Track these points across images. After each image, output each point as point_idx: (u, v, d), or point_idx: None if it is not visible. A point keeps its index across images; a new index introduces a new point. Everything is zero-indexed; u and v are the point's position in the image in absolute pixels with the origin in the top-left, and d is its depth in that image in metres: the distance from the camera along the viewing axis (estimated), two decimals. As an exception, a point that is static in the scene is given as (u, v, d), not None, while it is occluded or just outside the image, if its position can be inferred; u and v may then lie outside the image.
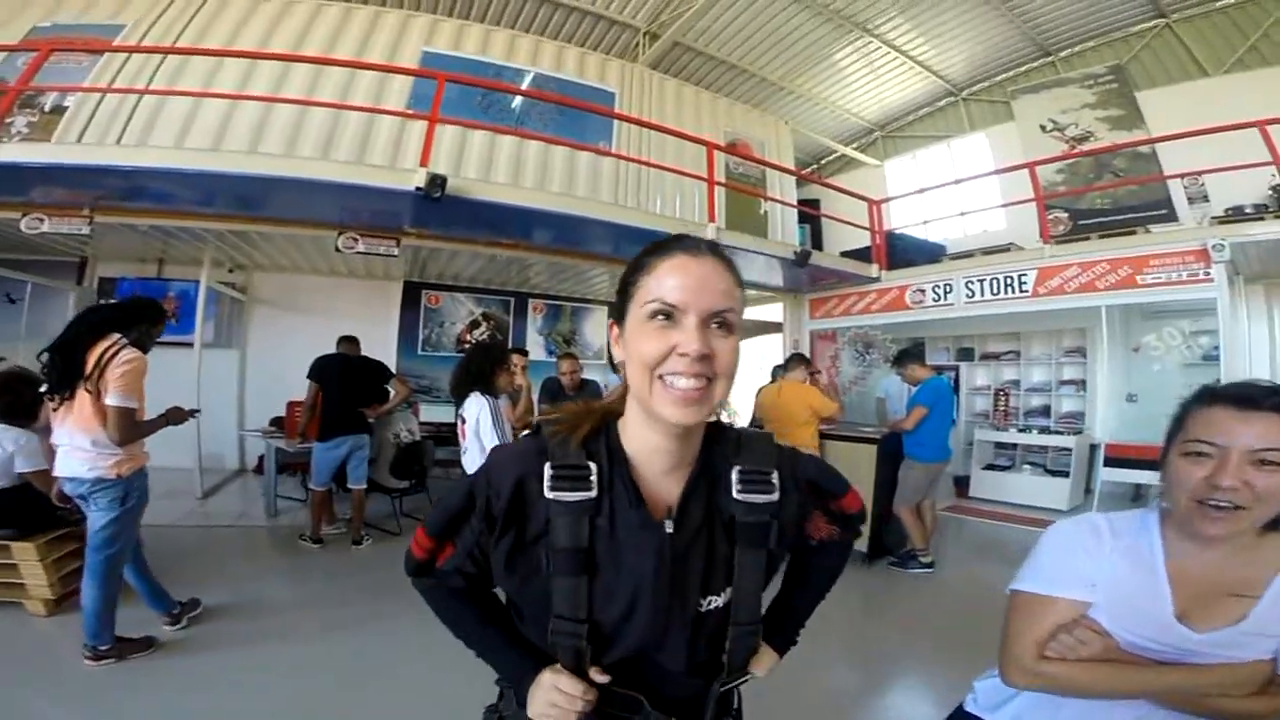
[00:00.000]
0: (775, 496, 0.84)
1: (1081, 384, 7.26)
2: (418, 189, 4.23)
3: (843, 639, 3.73)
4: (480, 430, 3.04)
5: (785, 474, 0.87)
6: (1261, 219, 5.33)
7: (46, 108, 5.73)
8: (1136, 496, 6.10)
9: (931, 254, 7.36)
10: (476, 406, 3.12)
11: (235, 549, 4.60)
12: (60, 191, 4.50)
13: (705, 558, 0.82)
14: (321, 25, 6.66)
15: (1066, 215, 7.81)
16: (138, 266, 6.96)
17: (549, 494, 0.79)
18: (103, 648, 2.73)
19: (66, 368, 2.67)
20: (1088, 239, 6.15)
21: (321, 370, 4.74)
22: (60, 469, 2.74)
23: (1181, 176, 6.59)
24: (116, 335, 2.73)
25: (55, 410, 2.71)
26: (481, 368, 3.31)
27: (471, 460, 3.08)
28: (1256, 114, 5.02)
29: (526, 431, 0.91)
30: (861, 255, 6.97)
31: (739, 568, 0.83)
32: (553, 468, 0.80)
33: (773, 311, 8.60)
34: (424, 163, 4.38)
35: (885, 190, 9.58)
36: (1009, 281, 5.74)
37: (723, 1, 7.39)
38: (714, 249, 0.80)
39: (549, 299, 8.57)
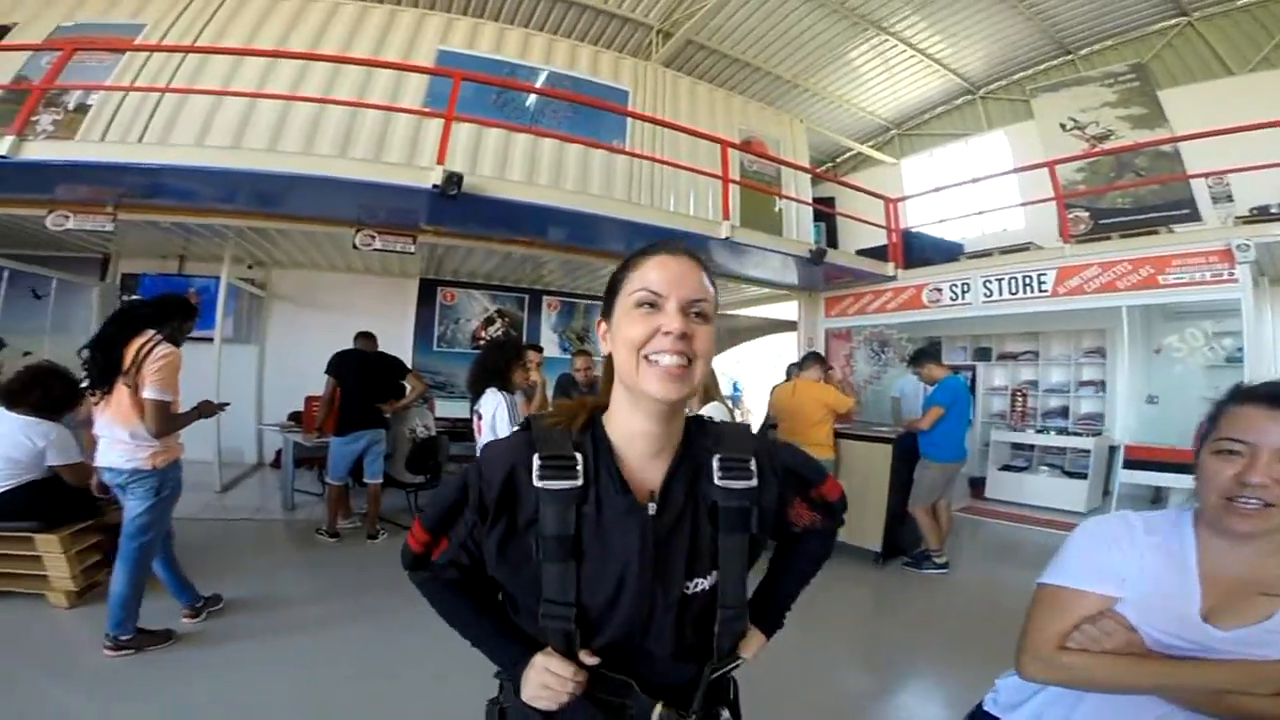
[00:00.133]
0: (754, 482, 0.89)
1: (1101, 385, 7.18)
2: (434, 186, 4.26)
3: (855, 639, 3.72)
4: (496, 426, 3.06)
5: (763, 461, 0.92)
6: (1287, 219, 5.23)
7: (71, 106, 5.82)
8: (1156, 499, 6.03)
9: (949, 253, 7.29)
10: (493, 402, 3.14)
11: (253, 542, 4.66)
12: (84, 189, 4.58)
13: (689, 541, 0.86)
14: (339, 24, 6.71)
15: (1087, 214, 7.70)
16: (159, 263, 7.07)
17: (537, 483, 0.83)
18: (124, 638, 2.78)
19: (106, 363, 2.77)
20: (1109, 238, 6.06)
21: (339, 366, 4.79)
22: (100, 459, 2.84)
23: (1205, 176, 6.48)
24: (151, 331, 2.82)
25: (96, 404, 2.81)
26: (498, 364, 3.33)
27: (487, 456, 3.09)
28: (1282, 112, 4.93)
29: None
30: (877, 254, 6.92)
31: (723, 552, 0.86)
32: (541, 458, 0.84)
33: (787, 310, 8.56)
34: (440, 160, 4.41)
35: (902, 188, 9.48)
36: (1028, 281, 5.68)
37: (735, 0, 7.35)
38: (690, 252, 0.88)
39: (563, 296, 8.60)
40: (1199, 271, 4.88)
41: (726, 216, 5.50)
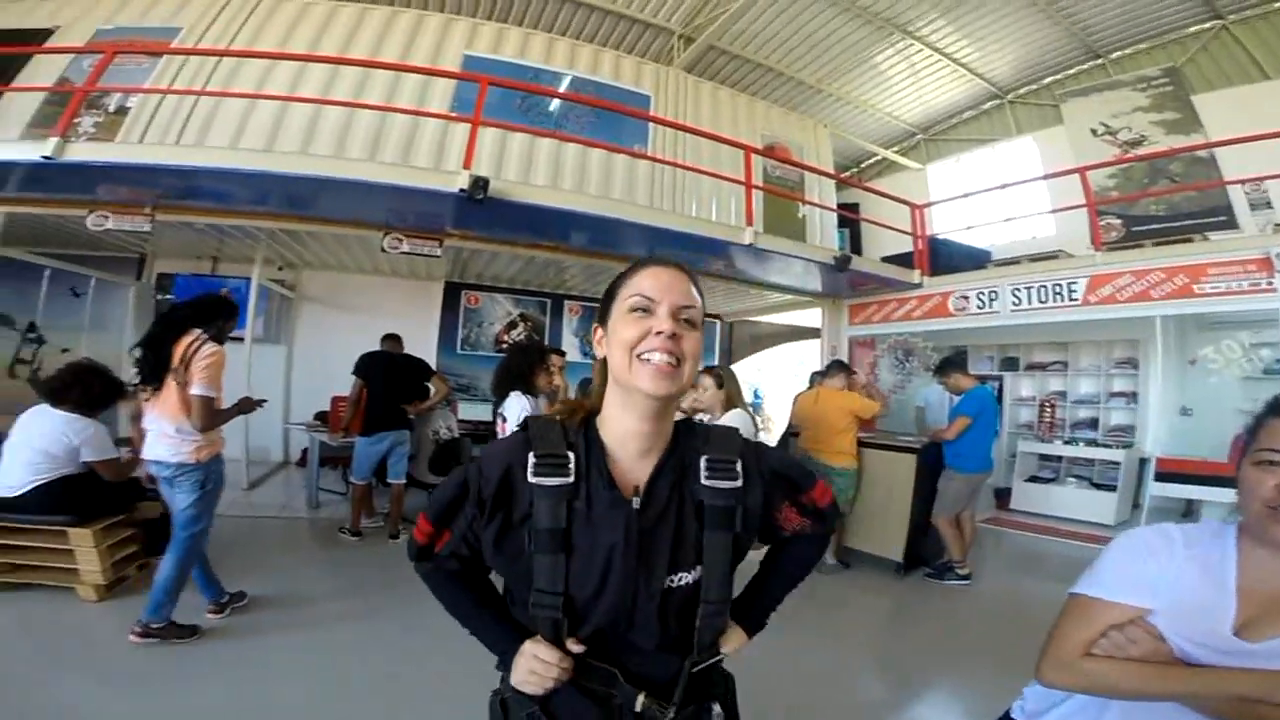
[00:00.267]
0: (739, 483, 0.93)
1: (1132, 396, 7.03)
2: (461, 190, 4.31)
3: (875, 649, 3.68)
4: (520, 429, 3.07)
5: (749, 463, 0.95)
6: (1330, 227, 5.09)
7: (111, 108, 5.98)
8: (1187, 512, 5.89)
9: (976, 260, 7.21)
10: (518, 406, 3.17)
11: (277, 539, 4.73)
12: (124, 190, 4.70)
13: (672, 536, 0.90)
14: (368, 28, 6.83)
15: (1119, 221, 7.55)
16: (193, 263, 7.24)
17: (532, 479, 0.88)
18: (155, 625, 2.87)
19: (156, 361, 2.91)
20: (1142, 246, 5.96)
21: (366, 367, 4.85)
22: (147, 452, 2.96)
23: (1242, 182, 6.33)
24: (198, 331, 2.95)
25: (147, 400, 2.95)
26: (521, 368, 3.37)
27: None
28: (1324, 117, 4.80)
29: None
30: (903, 260, 6.85)
31: (707, 548, 0.91)
32: (535, 456, 0.89)
33: (810, 317, 8.51)
34: (467, 165, 4.47)
35: (928, 194, 9.37)
36: (1058, 289, 5.58)
37: (758, 5, 7.31)
38: (680, 264, 0.95)
39: (585, 301, 8.63)
40: (1236, 280, 4.77)
41: (750, 222, 5.49)
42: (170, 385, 2.88)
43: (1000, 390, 7.64)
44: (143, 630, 2.86)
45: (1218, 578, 0.98)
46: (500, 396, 3.34)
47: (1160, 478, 5.56)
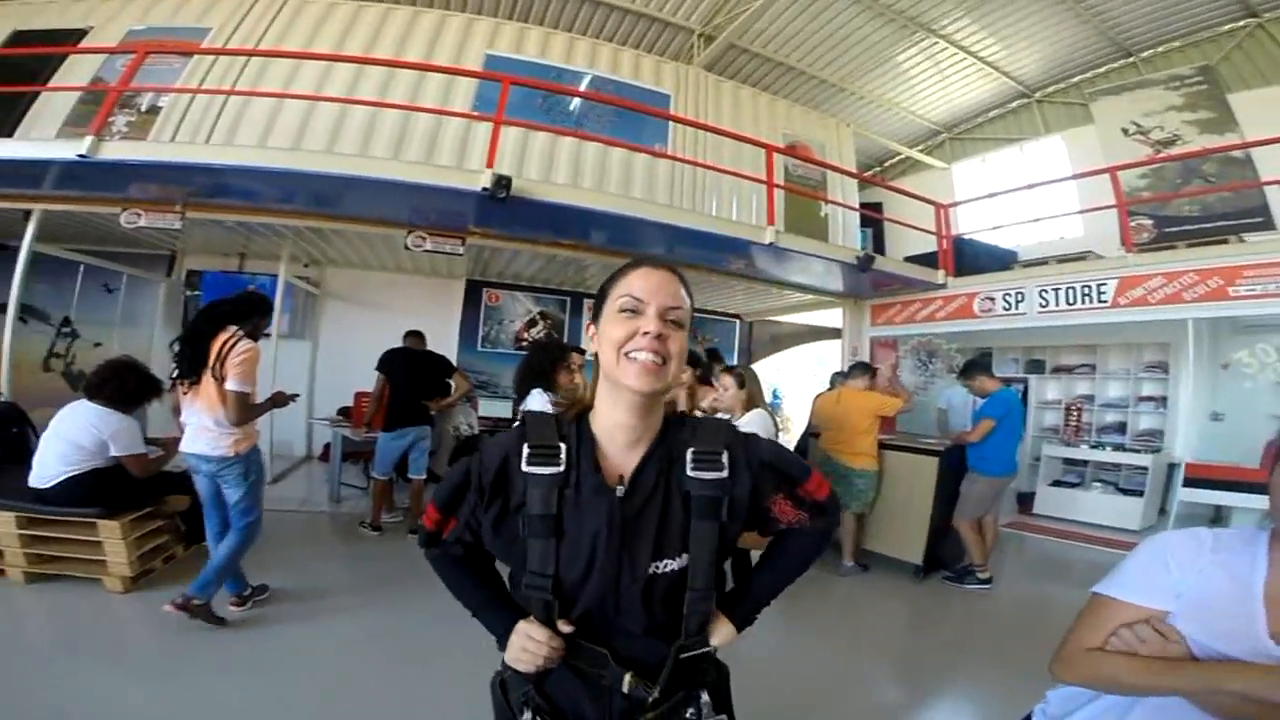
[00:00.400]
0: (724, 474, 0.95)
1: (1162, 400, 6.87)
2: (484, 189, 4.34)
3: (891, 653, 3.65)
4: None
5: (736, 454, 0.97)
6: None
7: (143, 108, 6.11)
8: (1216, 518, 5.75)
9: (1002, 260, 7.11)
10: (538, 403, 3.18)
11: (299, 533, 4.79)
12: (155, 188, 4.81)
13: (657, 524, 0.93)
14: (391, 28, 6.90)
15: (1151, 222, 7.38)
16: (221, 260, 7.36)
17: (525, 468, 0.93)
18: (196, 602, 2.94)
19: (194, 356, 3.00)
20: (1174, 248, 5.82)
21: (389, 363, 4.89)
22: (186, 446, 3.05)
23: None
24: (234, 327, 3.04)
25: (185, 394, 3.04)
26: (543, 365, 3.38)
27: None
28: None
29: None
30: (927, 260, 6.78)
31: (693, 537, 0.93)
32: (529, 447, 0.94)
33: (831, 317, 8.44)
34: (489, 164, 4.50)
35: (953, 194, 9.26)
36: (1086, 291, 5.48)
37: (779, 4, 7.26)
38: (670, 266, 0.99)
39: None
40: (1273, 283, 4.64)
41: (771, 222, 5.46)
42: (207, 380, 2.97)
43: (1025, 393, 7.51)
44: (183, 603, 2.93)
45: (1245, 583, 0.97)
46: (521, 394, 3.36)
47: (1189, 483, 5.45)
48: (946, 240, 6.70)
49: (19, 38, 6.33)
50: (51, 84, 5.98)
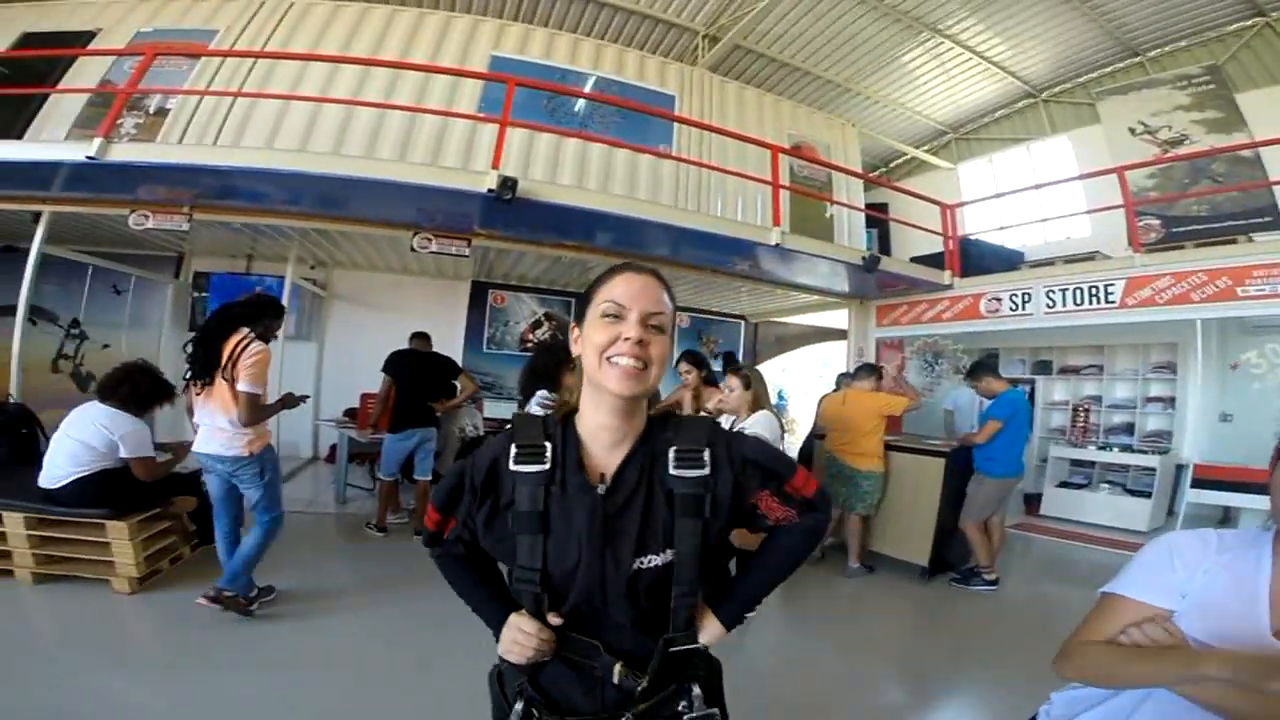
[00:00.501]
0: (706, 471, 0.97)
1: (1170, 401, 6.84)
2: (489, 191, 4.35)
3: (897, 654, 3.63)
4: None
5: (718, 452, 0.99)
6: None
7: (151, 110, 6.13)
8: (1225, 519, 5.72)
9: (1008, 261, 7.09)
10: (542, 405, 3.18)
11: (305, 534, 4.76)
12: (163, 190, 4.83)
13: (640, 520, 0.95)
14: (397, 30, 6.91)
15: (1158, 222, 7.34)
16: (229, 262, 7.42)
17: (513, 467, 0.97)
18: (227, 594, 3.11)
19: (207, 357, 3.05)
20: (1182, 248, 5.79)
21: (395, 364, 4.90)
22: (200, 446, 3.11)
23: (1289, 182, 6.12)
24: (246, 330, 3.09)
25: (198, 395, 3.09)
26: (548, 366, 3.38)
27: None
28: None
29: None
30: (933, 261, 6.76)
31: (678, 533, 0.95)
32: (516, 446, 0.97)
33: (837, 318, 8.42)
34: (495, 165, 4.50)
35: (959, 194, 9.23)
36: (1094, 291, 5.46)
37: (783, 4, 7.24)
38: (653, 271, 1.01)
39: (608, 300, 8.64)
40: (1282, 283, 4.61)
41: (777, 223, 5.45)
42: (220, 381, 3.02)
43: (1032, 394, 7.49)
44: (215, 595, 3.09)
45: (1251, 583, 0.98)
46: (527, 395, 3.36)
47: (1198, 484, 5.43)
48: (953, 241, 6.67)
49: (28, 40, 6.38)
50: (61, 86, 6.01)
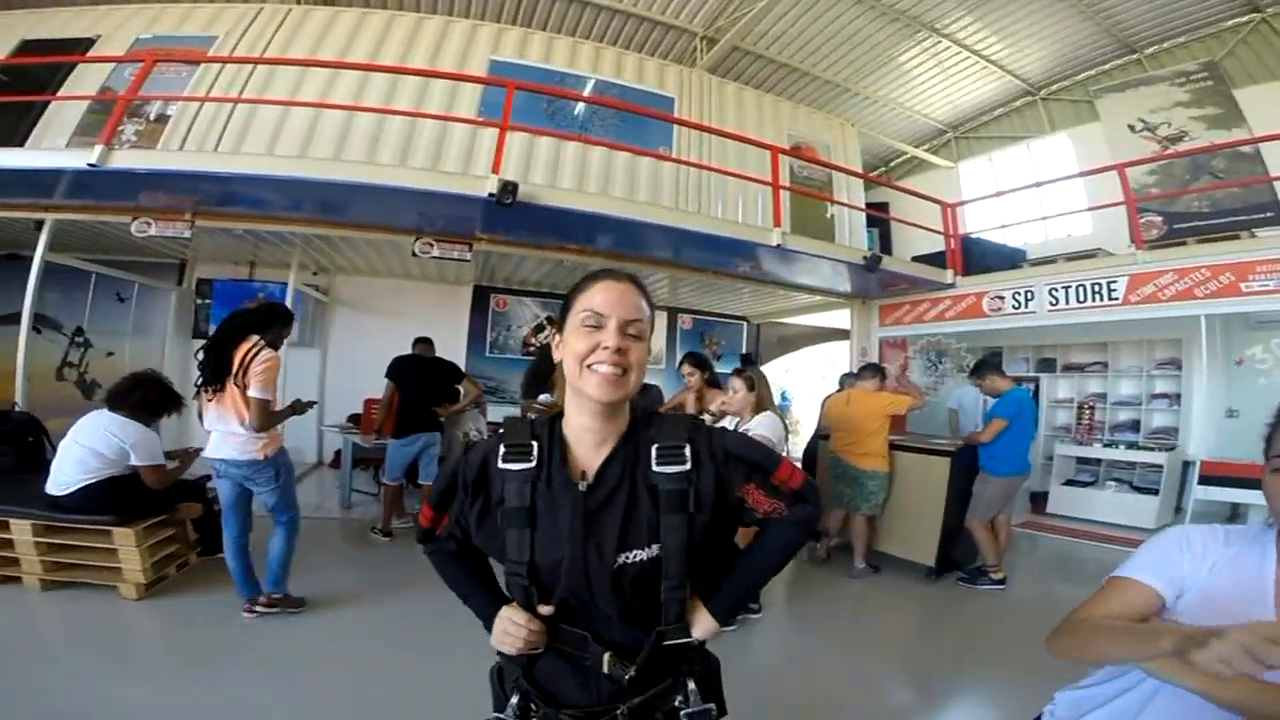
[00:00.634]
0: (687, 467, 0.99)
1: (1175, 398, 6.83)
2: (490, 195, 4.35)
3: (904, 655, 3.62)
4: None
5: (699, 447, 1.01)
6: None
7: (152, 116, 6.12)
8: (1233, 516, 5.70)
9: (1010, 259, 7.08)
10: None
11: (310, 539, 4.69)
12: (165, 196, 4.83)
13: (623, 516, 0.97)
14: (396, 36, 6.90)
15: (1160, 219, 7.33)
16: (231, 269, 7.42)
17: (501, 465, 1.00)
18: (276, 595, 3.29)
19: (218, 364, 3.10)
20: (1184, 244, 5.78)
21: (398, 370, 4.90)
22: (213, 452, 3.15)
23: (1289, 177, 6.10)
24: (256, 337, 3.15)
25: (209, 401, 3.12)
26: (550, 370, 3.37)
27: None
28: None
29: None
30: (935, 260, 6.75)
31: (663, 529, 0.97)
32: (505, 446, 1.01)
33: (839, 318, 8.41)
34: (495, 170, 4.50)
35: (959, 193, 9.23)
36: (1097, 289, 5.45)
37: (781, 5, 7.24)
38: (632, 278, 1.04)
39: (609, 303, 8.64)
40: (1286, 278, 4.60)
41: (778, 223, 5.44)
42: (231, 387, 3.07)
43: (1036, 392, 7.48)
44: (267, 600, 3.27)
45: (1256, 578, 0.99)
46: (529, 398, 3.37)
47: (1205, 481, 5.41)
48: (954, 239, 6.67)
49: (28, 47, 6.39)
50: (61, 93, 6.02)
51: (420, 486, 4.97)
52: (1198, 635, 0.81)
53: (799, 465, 1.11)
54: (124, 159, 4.29)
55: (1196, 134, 7.55)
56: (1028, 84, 9.34)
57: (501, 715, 1.05)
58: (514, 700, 1.03)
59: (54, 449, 3.53)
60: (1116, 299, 5.36)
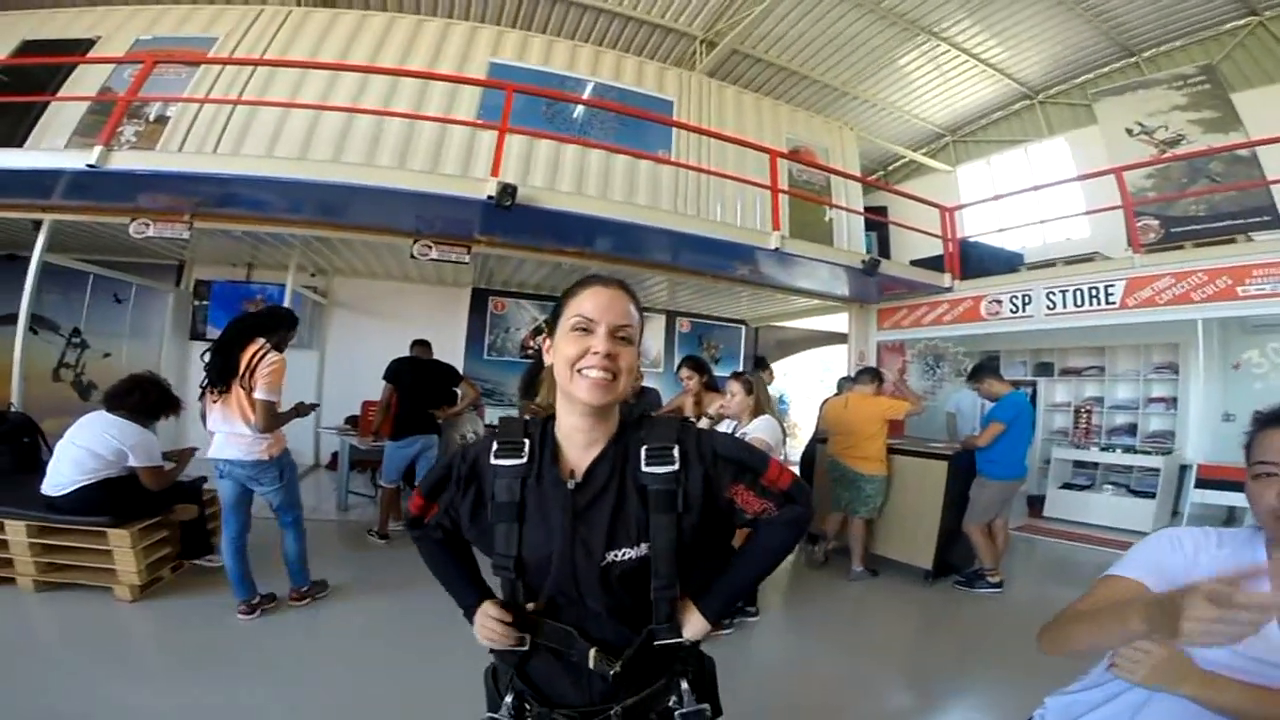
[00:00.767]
0: (675, 467, 1.00)
1: (1172, 402, 6.85)
2: (489, 198, 4.34)
3: (901, 658, 3.62)
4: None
5: (687, 448, 1.03)
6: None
7: (151, 117, 6.12)
8: (1229, 519, 5.71)
9: (1008, 263, 7.09)
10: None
11: (307, 541, 4.79)
12: (164, 198, 4.83)
13: (611, 516, 0.99)
14: (395, 38, 6.90)
15: (1157, 222, 7.34)
16: (229, 270, 7.42)
17: (493, 461, 1.03)
18: (304, 588, 3.49)
19: (224, 366, 3.15)
20: (1181, 248, 5.79)
21: (396, 372, 4.90)
22: (218, 453, 3.20)
23: (1286, 181, 6.12)
24: (262, 340, 3.21)
25: (214, 402, 3.17)
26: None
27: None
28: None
29: None
30: (933, 264, 6.75)
31: (653, 528, 0.99)
32: (497, 442, 1.05)
33: (837, 322, 8.42)
34: (495, 172, 4.50)
35: (958, 197, 9.25)
36: (1094, 292, 5.46)
37: (780, 9, 7.27)
38: (621, 284, 1.05)
39: (608, 306, 8.64)
40: (1282, 282, 4.61)
41: (777, 227, 5.45)
42: (236, 389, 3.12)
43: (1034, 396, 7.49)
44: (298, 595, 3.47)
45: (1249, 580, 0.96)
46: (527, 400, 3.36)
47: (1201, 484, 5.42)
48: (952, 243, 6.68)
49: (28, 47, 6.39)
50: (61, 94, 6.02)
51: (416, 489, 4.95)
52: (1165, 603, 0.81)
53: (788, 466, 1.10)
54: (123, 160, 4.28)
55: (1194, 137, 7.56)
56: (1026, 87, 9.37)
57: (496, 715, 1.06)
58: (508, 699, 1.05)
59: (50, 450, 3.52)
60: (1114, 303, 5.37)
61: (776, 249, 5.32)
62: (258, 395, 3.08)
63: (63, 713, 2.32)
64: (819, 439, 5.29)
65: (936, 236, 6.77)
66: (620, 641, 1.00)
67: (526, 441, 1.04)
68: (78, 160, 4.18)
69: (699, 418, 3.96)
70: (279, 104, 5.71)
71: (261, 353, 3.14)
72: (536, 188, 5.20)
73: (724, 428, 3.56)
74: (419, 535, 1.20)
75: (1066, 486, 7.08)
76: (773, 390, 7.00)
